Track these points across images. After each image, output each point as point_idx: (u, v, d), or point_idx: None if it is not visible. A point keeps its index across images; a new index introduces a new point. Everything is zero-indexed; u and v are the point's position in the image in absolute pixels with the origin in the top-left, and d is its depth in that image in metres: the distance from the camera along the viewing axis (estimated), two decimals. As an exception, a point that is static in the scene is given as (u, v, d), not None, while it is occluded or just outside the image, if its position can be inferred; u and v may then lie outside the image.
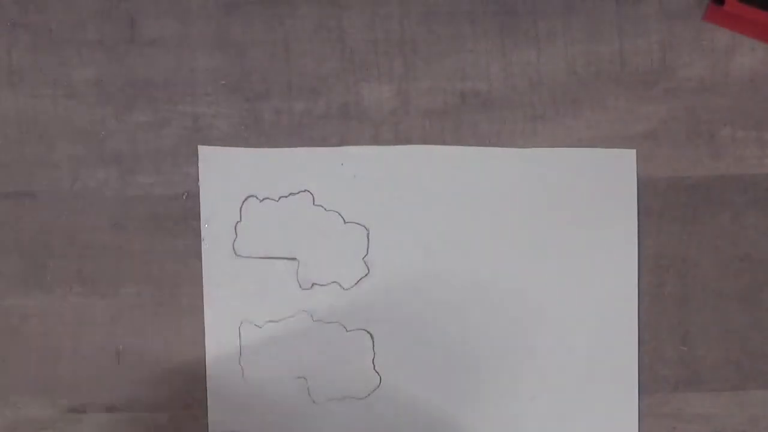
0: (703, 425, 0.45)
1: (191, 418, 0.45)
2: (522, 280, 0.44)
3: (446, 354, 0.44)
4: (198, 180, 0.44)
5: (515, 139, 0.44)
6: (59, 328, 0.44)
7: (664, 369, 0.45)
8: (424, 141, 0.44)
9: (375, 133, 0.44)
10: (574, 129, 0.44)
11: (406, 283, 0.44)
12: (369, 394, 0.45)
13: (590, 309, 0.44)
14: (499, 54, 0.44)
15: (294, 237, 0.44)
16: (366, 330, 0.44)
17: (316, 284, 0.44)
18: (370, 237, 0.44)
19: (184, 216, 0.44)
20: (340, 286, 0.44)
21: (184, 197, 0.44)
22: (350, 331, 0.44)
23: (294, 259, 0.44)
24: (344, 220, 0.44)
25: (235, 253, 0.44)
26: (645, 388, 0.45)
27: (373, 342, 0.44)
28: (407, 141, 0.44)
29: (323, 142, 0.44)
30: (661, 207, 0.44)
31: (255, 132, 0.44)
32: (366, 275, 0.44)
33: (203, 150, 0.44)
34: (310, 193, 0.44)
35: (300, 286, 0.44)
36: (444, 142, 0.44)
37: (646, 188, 0.44)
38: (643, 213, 0.44)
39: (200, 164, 0.44)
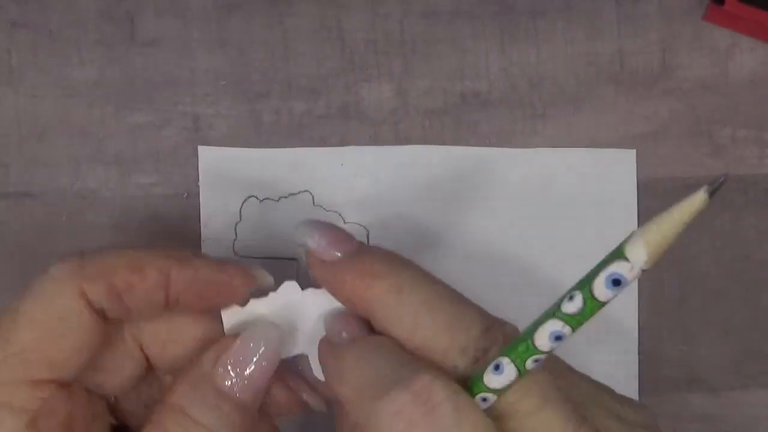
0: (703, 425, 0.45)
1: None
2: (522, 279, 0.44)
3: (446, 354, 0.44)
4: (198, 180, 0.44)
5: (515, 139, 0.44)
6: (59, 328, 0.44)
7: (664, 369, 0.45)
8: (424, 141, 0.44)
9: (375, 133, 0.44)
10: (574, 129, 0.44)
11: (406, 283, 0.44)
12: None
13: (590, 309, 0.44)
14: (499, 54, 0.44)
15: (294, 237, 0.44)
16: (366, 330, 0.44)
17: (316, 284, 0.44)
18: (370, 237, 0.44)
19: (184, 216, 0.44)
20: (340, 286, 0.44)
21: (184, 197, 0.44)
22: (350, 331, 0.44)
23: (294, 259, 0.44)
24: (344, 220, 0.44)
25: (235, 253, 0.44)
26: (645, 388, 0.45)
27: (373, 342, 0.44)
28: (407, 141, 0.44)
29: (323, 142, 0.44)
30: (661, 207, 0.44)
31: (255, 132, 0.44)
32: (366, 275, 0.44)
33: (203, 150, 0.44)
34: (310, 194, 0.44)
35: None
36: (444, 142, 0.44)
37: (646, 188, 0.44)
38: (643, 213, 0.44)
39: (200, 164, 0.44)
